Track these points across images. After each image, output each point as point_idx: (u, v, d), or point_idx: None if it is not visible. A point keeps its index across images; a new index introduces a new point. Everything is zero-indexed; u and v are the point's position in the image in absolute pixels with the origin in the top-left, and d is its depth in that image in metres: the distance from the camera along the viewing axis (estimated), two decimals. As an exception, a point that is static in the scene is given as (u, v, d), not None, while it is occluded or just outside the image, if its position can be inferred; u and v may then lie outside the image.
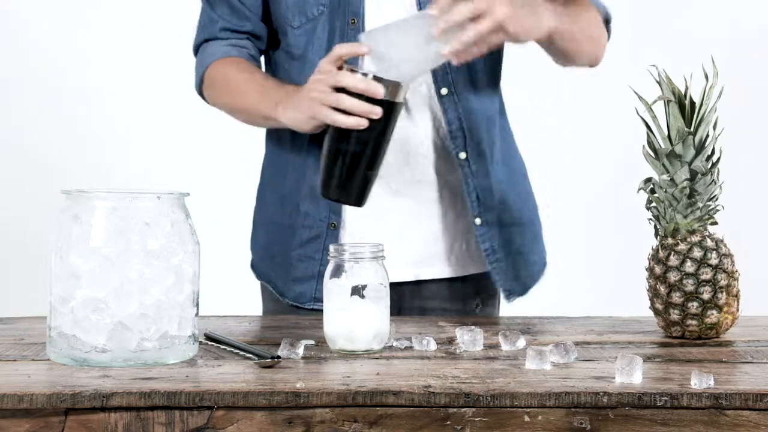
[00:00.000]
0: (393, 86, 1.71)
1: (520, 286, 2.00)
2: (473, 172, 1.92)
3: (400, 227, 1.94)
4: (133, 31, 3.38)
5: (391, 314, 1.63)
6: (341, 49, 1.74)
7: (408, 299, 1.98)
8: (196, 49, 2.02)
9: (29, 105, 3.37)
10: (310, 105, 1.75)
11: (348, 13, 1.89)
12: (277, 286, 2.00)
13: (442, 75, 1.90)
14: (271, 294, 2.02)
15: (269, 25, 1.98)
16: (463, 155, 1.91)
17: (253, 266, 2.07)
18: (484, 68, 1.94)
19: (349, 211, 1.93)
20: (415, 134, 1.92)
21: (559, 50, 1.89)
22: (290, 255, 1.96)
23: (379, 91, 1.69)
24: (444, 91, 1.90)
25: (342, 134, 1.73)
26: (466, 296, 2.00)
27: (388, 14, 1.89)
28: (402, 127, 1.87)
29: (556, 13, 1.81)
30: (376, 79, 1.70)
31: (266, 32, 1.98)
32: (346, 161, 1.73)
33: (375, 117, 1.70)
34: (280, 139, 1.99)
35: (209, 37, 1.98)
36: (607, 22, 1.99)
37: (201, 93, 2.00)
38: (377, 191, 1.86)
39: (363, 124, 1.70)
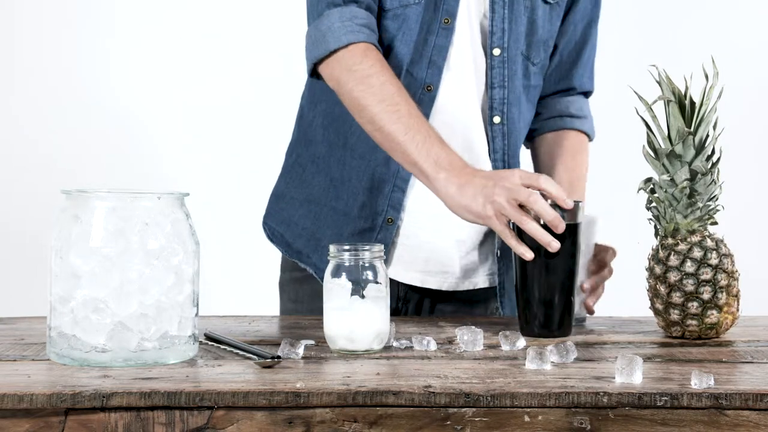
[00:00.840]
0: (575, 206, 1.70)
1: None
2: None
3: (454, 235, 1.94)
4: (134, 31, 3.38)
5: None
6: (548, 185, 1.67)
7: (442, 305, 2.00)
8: (313, 16, 1.86)
9: (29, 105, 3.37)
10: (486, 205, 1.69)
11: (442, 12, 1.86)
12: (316, 265, 1.97)
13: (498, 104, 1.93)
14: (295, 264, 2.00)
15: None
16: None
17: (277, 239, 2.01)
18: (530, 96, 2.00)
19: (407, 210, 1.91)
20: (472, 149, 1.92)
21: None
22: (341, 241, 1.94)
23: (561, 227, 1.66)
24: (496, 119, 1.92)
25: (532, 270, 1.70)
26: (488, 300, 2.03)
27: (476, 16, 1.88)
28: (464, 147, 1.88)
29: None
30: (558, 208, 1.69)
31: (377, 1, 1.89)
32: (544, 298, 1.70)
33: (552, 250, 1.67)
34: (344, 121, 1.91)
35: (331, 2, 1.83)
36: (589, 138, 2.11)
37: (316, 67, 1.86)
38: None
39: (554, 245, 1.66)
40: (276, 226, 2.03)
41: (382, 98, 1.77)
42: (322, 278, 1.94)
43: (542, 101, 2.06)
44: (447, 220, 1.84)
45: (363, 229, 1.93)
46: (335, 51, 1.82)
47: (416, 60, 1.87)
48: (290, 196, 2.02)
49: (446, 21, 1.87)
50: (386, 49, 1.89)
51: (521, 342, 1.61)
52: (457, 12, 1.87)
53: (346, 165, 1.94)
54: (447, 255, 1.93)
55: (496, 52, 1.89)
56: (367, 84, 1.79)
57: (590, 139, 2.10)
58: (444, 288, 1.96)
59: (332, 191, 1.96)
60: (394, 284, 1.93)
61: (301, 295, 2.00)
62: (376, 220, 1.92)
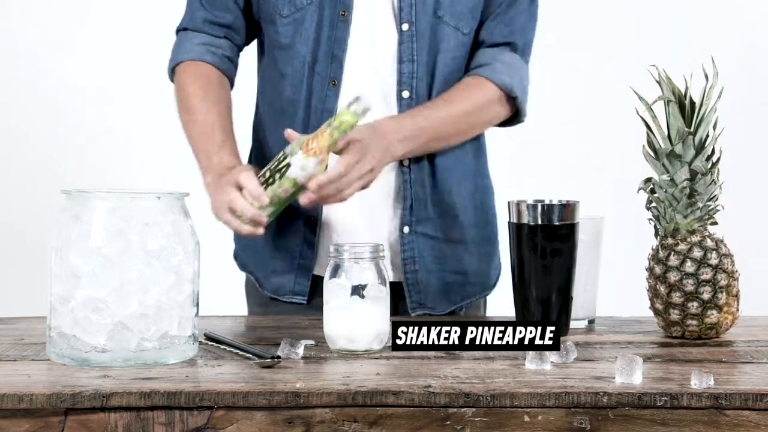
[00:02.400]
0: (572, 206, 1.70)
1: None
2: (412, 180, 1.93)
3: (373, 221, 1.93)
4: (133, 31, 3.37)
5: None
6: (245, 181, 1.77)
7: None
8: (178, 32, 2.04)
9: (29, 105, 3.37)
10: (217, 208, 1.81)
11: (339, 5, 1.89)
12: (258, 278, 2.00)
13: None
14: (253, 285, 2.02)
15: (251, 19, 1.98)
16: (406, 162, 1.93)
17: (235, 256, 2.07)
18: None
19: (327, 207, 1.91)
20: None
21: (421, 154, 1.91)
22: (270, 246, 1.96)
23: (259, 230, 1.77)
24: (405, 94, 1.90)
25: (530, 269, 1.70)
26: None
27: (378, 6, 1.89)
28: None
29: (403, 140, 1.84)
30: None
31: (245, 27, 1.99)
32: (542, 297, 1.70)
33: (262, 223, 1.76)
34: (264, 129, 1.99)
35: (190, 27, 2.00)
36: (514, 105, 1.95)
37: (171, 79, 2.03)
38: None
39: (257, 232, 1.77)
40: (235, 244, 2.08)
41: (186, 109, 1.96)
42: (261, 286, 2.00)
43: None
44: (363, 210, 1.90)
45: (288, 231, 1.94)
46: (174, 69, 2.01)
47: (318, 58, 1.90)
48: None
49: (343, 13, 1.89)
50: (288, 53, 1.92)
51: (521, 342, 1.61)
52: (352, 3, 1.89)
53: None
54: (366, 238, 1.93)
55: (405, 27, 1.89)
56: (180, 98, 1.99)
57: (499, 87, 1.92)
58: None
59: None
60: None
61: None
62: (298, 221, 1.93)
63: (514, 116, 1.98)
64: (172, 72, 2.01)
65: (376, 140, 1.79)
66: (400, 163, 1.91)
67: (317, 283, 1.91)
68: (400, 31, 1.89)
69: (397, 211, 1.93)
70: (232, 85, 2.01)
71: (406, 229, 1.93)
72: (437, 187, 1.94)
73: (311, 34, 1.90)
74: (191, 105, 1.94)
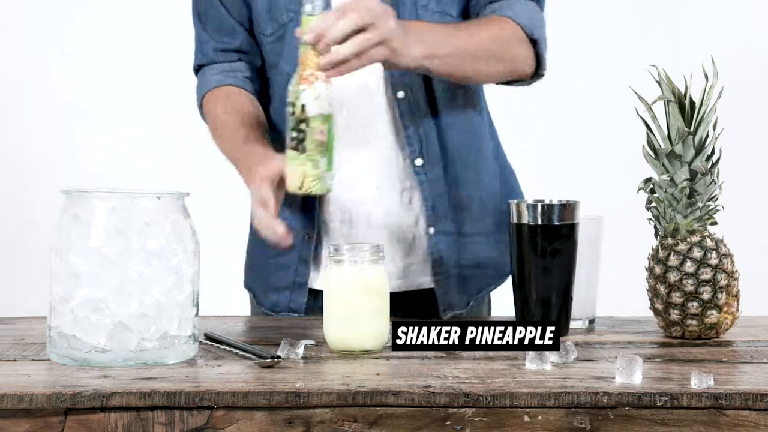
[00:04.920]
0: (572, 206, 1.70)
1: None
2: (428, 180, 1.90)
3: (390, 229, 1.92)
4: (133, 31, 3.38)
5: None
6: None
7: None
8: (196, 72, 2.03)
9: (29, 105, 3.37)
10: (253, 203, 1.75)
11: None
12: (256, 294, 2.00)
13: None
14: (253, 300, 2.03)
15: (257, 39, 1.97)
16: (419, 161, 1.89)
17: (247, 286, 2.07)
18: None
19: (325, 224, 1.91)
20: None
21: (442, 74, 1.82)
22: (268, 263, 1.95)
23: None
24: (400, 95, 1.87)
25: (530, 269, 1.70)
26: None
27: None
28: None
29: (422, 40, 1.74)
30: None
31: (256, 46, 1.96)
32: (542, 297, 1.70)
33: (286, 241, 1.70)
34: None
35: (205, 62, 1.98)
36: (533, 41, 1.88)
37: (203, 118, 2.01)
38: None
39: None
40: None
41: (215, 130, 1.94)
42: (258, 303, 2.00)
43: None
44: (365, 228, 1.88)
45: (285, 247, 1.93)
46: (201, 107, 2.00)
47: None
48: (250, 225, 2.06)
49: None
50: (276, 71, 1.91)
51: (521, 342, 1.61)
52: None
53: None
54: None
55: None
56: (210, 126, 1.96)
57: (522, 27, 1.86)
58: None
59: None
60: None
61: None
62: (296, 237, 1.89)
63: (535, 70, 1.91)
64: (201, 109, 2.00)
65: (391, 18, 1.67)
66: (413, 165, 1.89)
67: (317, 298, 1.90)
68: None
69: (415, 213, 1.91)
70: (260, 99, 1.97)
71: (431, 230, 1.90)
72: (453, 184, 1.91)
73: (293, 51, 1.85)
74: (218, 124, 1.92)
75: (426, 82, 1.89)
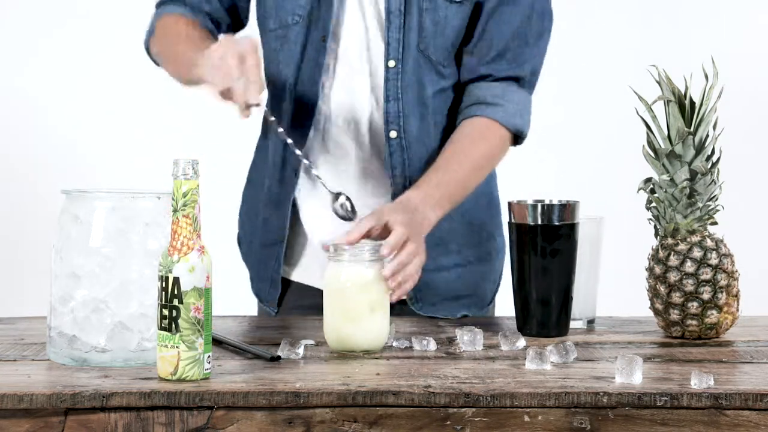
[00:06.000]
0: (572, 206, 1.70)
1: None
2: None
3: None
4: (131, 30, 3.37)
5: None
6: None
7: None
8: (158, 6, 1.98)
9: (29, 105, 3.37)
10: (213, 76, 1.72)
11: (320, 31, 1.85)
12: (250, 275, 2.02)
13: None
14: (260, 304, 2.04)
15: (236, 18, 1.95)
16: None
17: (239, 241, 2.07)
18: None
19: (307, 224, 1.92)
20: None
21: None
22: (257, 252, 1.98)
23: None
24: (393, 134, 1.87)
25: (530, 269, 1.69)
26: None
27: (365, 34, 1.85)
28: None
29: (436, 206, 1.77)
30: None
31: (228, 20, 1.94)
32: (542, 297, 1.70)
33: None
34: (265, 137, 1.98)
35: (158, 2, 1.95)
36: (517, 137, 1.90)
37: (147, 45, 1.97)
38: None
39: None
40: (239, 229, 2.07)
41: (170, 40, 1.88)
42: (251, 281, 2.00)
43: (465, 87, 1.91)
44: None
45: (270, 243, 1.94)
46: (153, 32, 1.94)
47: (301, 80, 1.87)
48: (244, 197, 2.06)
49: (323, 39, 1.85)
50: (273, 70, 1.90)
51: (521, 342, 1.61)
52: (336, 29, 1.85)
53: (264, 184, 1.97)
54: None
55: (391, 64, 1.85)
56: (162, 35, 1.91)
57: (511, 131, 1.88)
58: None
59: (257, 201, 1.99)
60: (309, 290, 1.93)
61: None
62: (279, 235, 1.92)
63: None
64: (151, 33, 1.95)
65: (413, 220, 1.71)
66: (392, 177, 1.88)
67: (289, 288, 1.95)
68: (387, 68, 1.85)
69: None
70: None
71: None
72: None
73: (295, 55, 1.87)
74: (168, 33, 1.89)
75: (418, 124, 1.89)
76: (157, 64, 1.97)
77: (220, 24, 1.94)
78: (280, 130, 1.79)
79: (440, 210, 1.78)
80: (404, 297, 1.70)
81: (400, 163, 1.87)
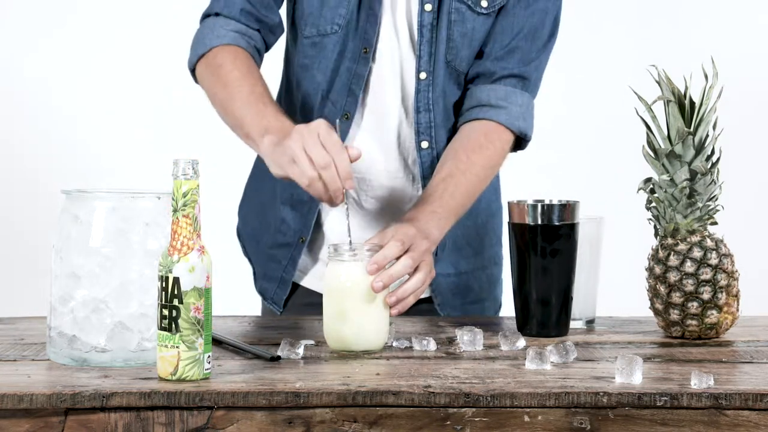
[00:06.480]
0: (572, 206, 1.70)
1: None
2: None
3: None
4: (133, 30, 3.38)
5: None
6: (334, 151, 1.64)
7: None
8: (204, 17, 1.90)
9: (29, 105, 3.37)
10: (284, 155, 1.66)
11: (362, 42, 1.85)
12: (254, 270, 2.02)
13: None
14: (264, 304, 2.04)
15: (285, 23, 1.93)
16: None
17: (239, 234, 2.07)
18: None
19: (323, 229, 1.92)
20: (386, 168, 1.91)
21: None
22: (265, 250, 1.97)
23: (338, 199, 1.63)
24: (424, 144, 1.88)
25: (530, 269, 1.70)
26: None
27: (398, 46, 1.86)
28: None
29: (441, 221, 1.76)
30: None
31: (280, 29, 1.92)
32: (542, 297, 1.70)
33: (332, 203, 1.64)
34: None
35: (224, 13, 1.86)
36: (520, 139, 1.90)
37: (193, 71, 1.90)
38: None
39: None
40: (240, 222, 2.07)
41: (225, 84, 1.80)
42: (254, 279, 2.01)
43: (467, 89, 1.92)
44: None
45: (281, 243, 1.94)
46: (202, 56, 1.86)
47: (334, 88, 1.87)
48: (247, 192, 2.06)
49: (365, 50, 1.85)
50: (305, 76, 1.89)
51: (521, 342, 1.61)
52: (375, 41, 1.85)
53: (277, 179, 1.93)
54: None
55: (423, 75, 1.86)
56: (217, 76, 1.82)
57: (515, 133, 1.88)
58: None
59: (269, 199, 1.98)
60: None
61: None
62: (293, 237, 1.92)
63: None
64: (197, 60, 1.87)
65: (416, 237, 1.69)
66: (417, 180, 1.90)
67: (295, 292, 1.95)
68: (418, 80, 1.86)
69: None
70: None
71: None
72: None
73: (330, 64, 1.87)
74: (231, 79, 1.80)
75: (449, 134, 1.90)
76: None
77: (269, 36, 1.90)
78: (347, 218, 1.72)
79: (446, 225, 1.77)
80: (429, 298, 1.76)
81: (431, 174, 1.86)
